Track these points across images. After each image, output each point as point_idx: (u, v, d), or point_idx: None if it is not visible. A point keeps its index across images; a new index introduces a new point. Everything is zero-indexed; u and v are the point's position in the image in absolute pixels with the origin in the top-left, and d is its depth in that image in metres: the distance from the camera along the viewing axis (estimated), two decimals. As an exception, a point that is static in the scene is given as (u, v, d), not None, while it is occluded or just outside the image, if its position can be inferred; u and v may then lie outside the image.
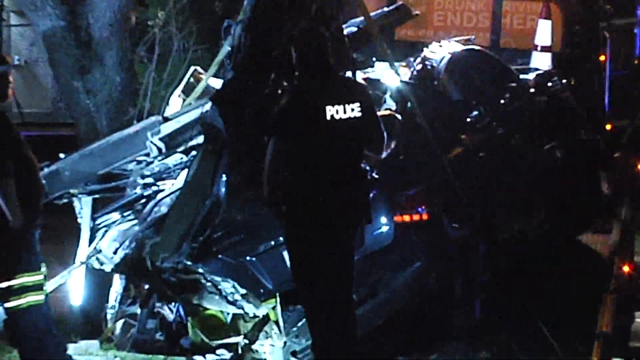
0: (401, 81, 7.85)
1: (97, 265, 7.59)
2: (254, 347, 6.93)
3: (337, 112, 6.05)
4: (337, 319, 6.16)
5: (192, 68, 9.29)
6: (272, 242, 6.84)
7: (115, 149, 8.14)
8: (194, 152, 7.78)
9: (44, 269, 6.64)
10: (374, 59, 8.27)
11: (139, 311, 7.40)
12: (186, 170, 7.50)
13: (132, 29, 10.11)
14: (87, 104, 9.69)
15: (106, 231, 7.80)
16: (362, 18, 8.09)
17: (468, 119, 8.13)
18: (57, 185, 7.84)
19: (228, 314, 7.00)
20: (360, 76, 7.60)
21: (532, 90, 8.95)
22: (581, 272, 8.19)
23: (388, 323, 7.19)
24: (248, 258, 6.86)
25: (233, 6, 9.82)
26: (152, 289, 7.30)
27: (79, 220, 8.04)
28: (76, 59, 9.65)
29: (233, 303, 6.89)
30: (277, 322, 6.92)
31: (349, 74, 7.14)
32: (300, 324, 6.93)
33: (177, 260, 6.88)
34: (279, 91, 6.87)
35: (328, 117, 6.04)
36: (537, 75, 9.36)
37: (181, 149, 8.05)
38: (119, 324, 7.64)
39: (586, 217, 9.16)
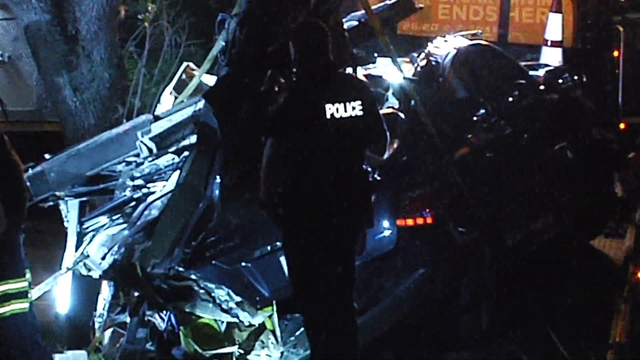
0: (404, 78, 7.79)
1: (84, 272, 7.57)
2: (249, 357, 6.87)
3: (337, 110, 6.03)
4: (337, 327, 6.14)
5: (184, 64, 9.34)
6: (269, 247, 6.81)
7: (103, 149, 8.10)
8: (186, 153, 7.72)
9: (28, 275, 6.60)
10: (375, 54, 8.18)
11: (128, 320, 7.28)
12: (178, 171, 7.46)
13: (121, 23, 10.08)
14: (74, 102, 9.63)
15: (94, 235, 7.76)
16: (363, 11, 8.04)
17: (474, 118, 8.10)
18: (43, 187, 7.82)
19: (222, 322, 6.94)
20: (361, 73, 7.61)
21: (541, 87, 9.01)
22: (593, 278, 8.27)
23: (391, 332, 7.13)
24: (243, 264, 6.82)
25: (227, -1, 10.04)
26: (143, 297, 7.21)
27: (65, 224, 8.01)
28: (62, 55, 9.56)
29: (227, 311, 6.85)
30: (273, 331, 6.88)
31: (349, 70, 7.12)
32: (298, 333, 6.88)
33: (169, 266, 6.85)
34: (276, 88, 6.83)
35: (328, 116, 6.01)
36: (547, 71, 9.38)
37: (173, 149, 8.00)
38: (108, 333, 7.54)
39: (599, 220, 9.26)
